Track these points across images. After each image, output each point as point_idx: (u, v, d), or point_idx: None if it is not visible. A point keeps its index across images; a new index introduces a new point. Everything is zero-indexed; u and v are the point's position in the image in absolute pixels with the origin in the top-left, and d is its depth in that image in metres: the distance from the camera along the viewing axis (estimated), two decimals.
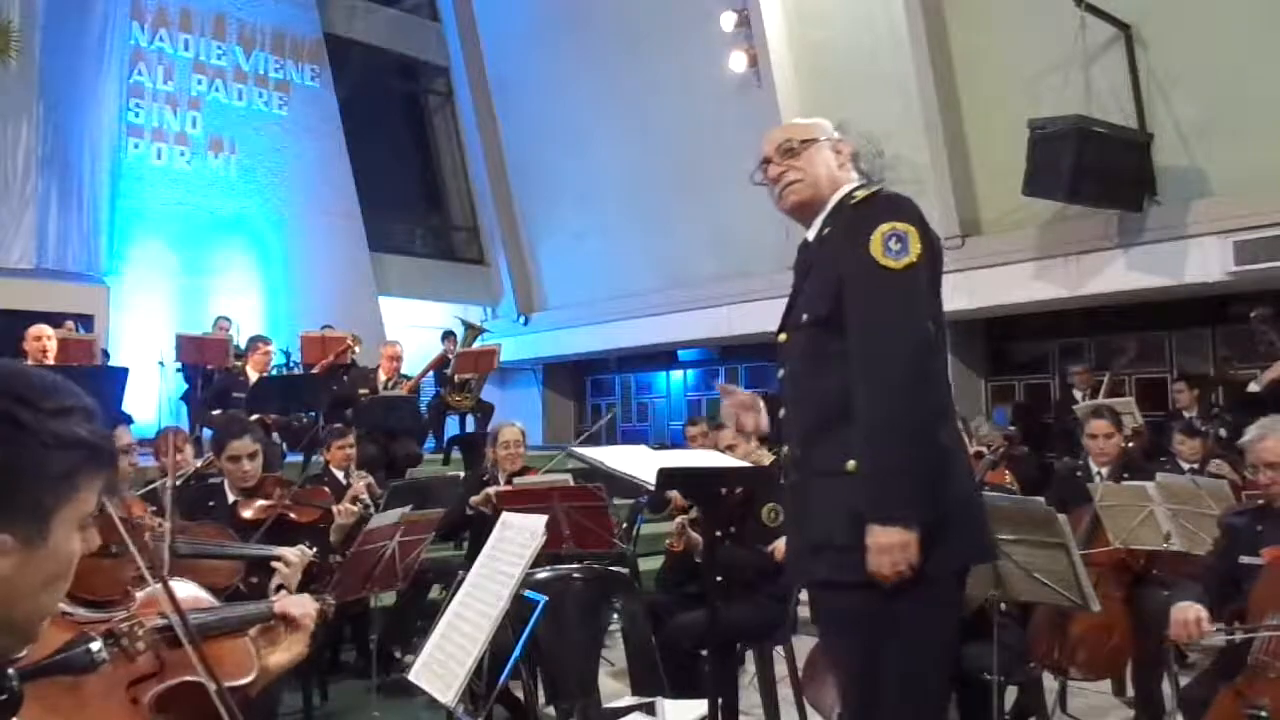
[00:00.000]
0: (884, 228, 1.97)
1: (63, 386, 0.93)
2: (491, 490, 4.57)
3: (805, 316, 2.08)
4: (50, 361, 6.39)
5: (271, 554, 3.08)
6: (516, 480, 4.63)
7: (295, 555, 3.06)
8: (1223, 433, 6.36)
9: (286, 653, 1.59)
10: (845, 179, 2.21)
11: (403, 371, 8.19)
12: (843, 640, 2.05)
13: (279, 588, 2.96)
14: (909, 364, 1.91)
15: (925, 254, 1.97)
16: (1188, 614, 2.66)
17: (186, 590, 1.60)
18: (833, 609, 2.03)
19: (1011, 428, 7.41)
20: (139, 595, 1.45)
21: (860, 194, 2.12)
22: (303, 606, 1.61)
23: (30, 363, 6.30)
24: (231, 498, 3.64)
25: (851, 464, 1.93)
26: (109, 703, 1.30)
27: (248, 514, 3.57)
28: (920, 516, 1.85)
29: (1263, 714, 2.47)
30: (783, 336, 2.19)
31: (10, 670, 0.97)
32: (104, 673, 1.27)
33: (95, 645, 1.25)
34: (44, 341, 6.51)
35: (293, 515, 3.67)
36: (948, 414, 2.03)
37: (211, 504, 3.61)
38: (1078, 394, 8.11)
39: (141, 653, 1.34)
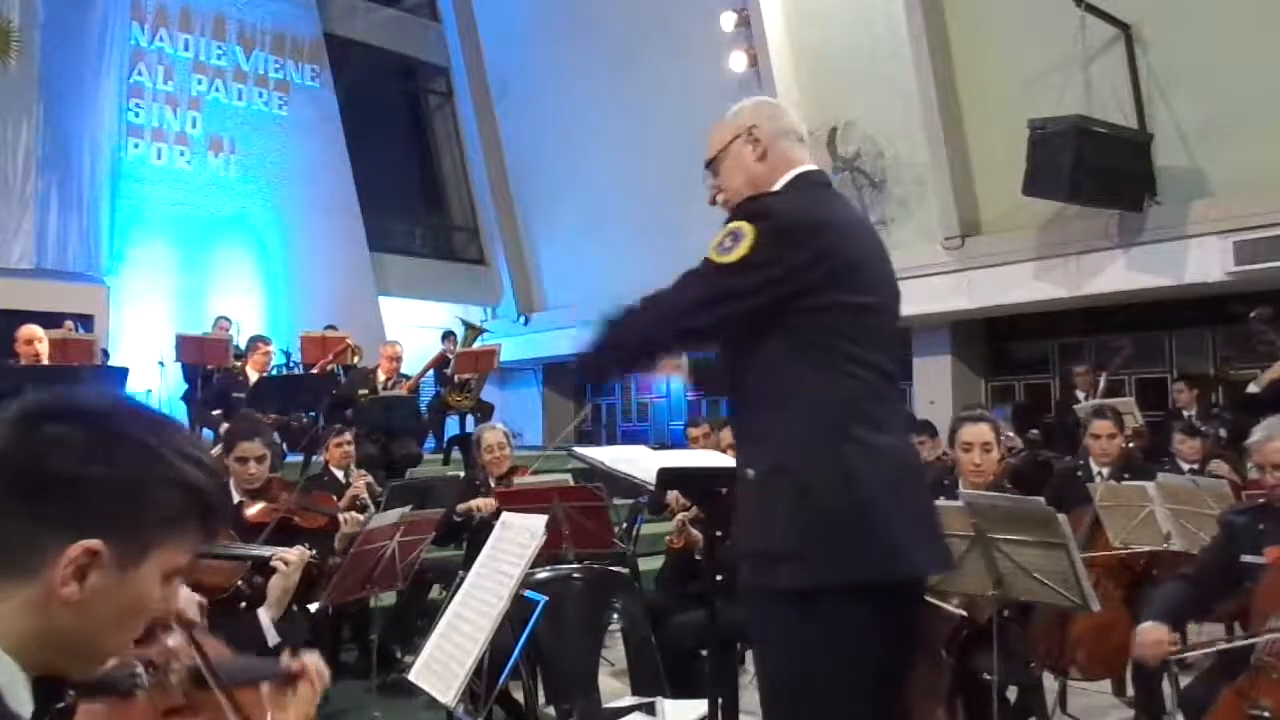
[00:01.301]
0: (732, 225, 1.91)
1: (196, 439, 0.98)
2: (474, 503, 4.56)
3: None
4: (45, 363, 6.30)
5: (272, 554, 3.08)
6: (517, 481, 4.63)
7: (295, 555, 3.05)
8: (1223, 433, 6.36)
9: (295, 711, 1.59)
10: (773, 168, 2.02)
11: (402, 371, 8.18)
12: (754, 647, 2.05)
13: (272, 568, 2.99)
14: (645, 345, 2.00)
15: (750, 260, 1.85)
16: (1148, 636, 2.71)
17: (206, 641, 1.65)
18: (749, 613, 1.99)
19: (1034, 431, 7.38)
20: (169, 640, 1.52)
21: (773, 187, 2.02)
22: (314, 661, 1.60)
23: (23, 365, 6.22)
24: (236, 498, 3.64)
25: (750, 472, 1.93)
26: None
27: (251, 515, 3.58)
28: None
29: (1266, 715, 2.47)
30: None
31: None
32: (142, 699, 1.32)
33: (138, 670, 1.30)
34: (35, 345, 6.27)
35: (297, 520, 3.66)
36: (860, 420, 1.88)
37: None
38: (1080, 394, 8.11)
39: (174, 687, 1.40)
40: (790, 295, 1.87)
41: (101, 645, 0.94)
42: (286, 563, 3.01)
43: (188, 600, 1.62)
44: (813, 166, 2.07)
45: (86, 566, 0.87)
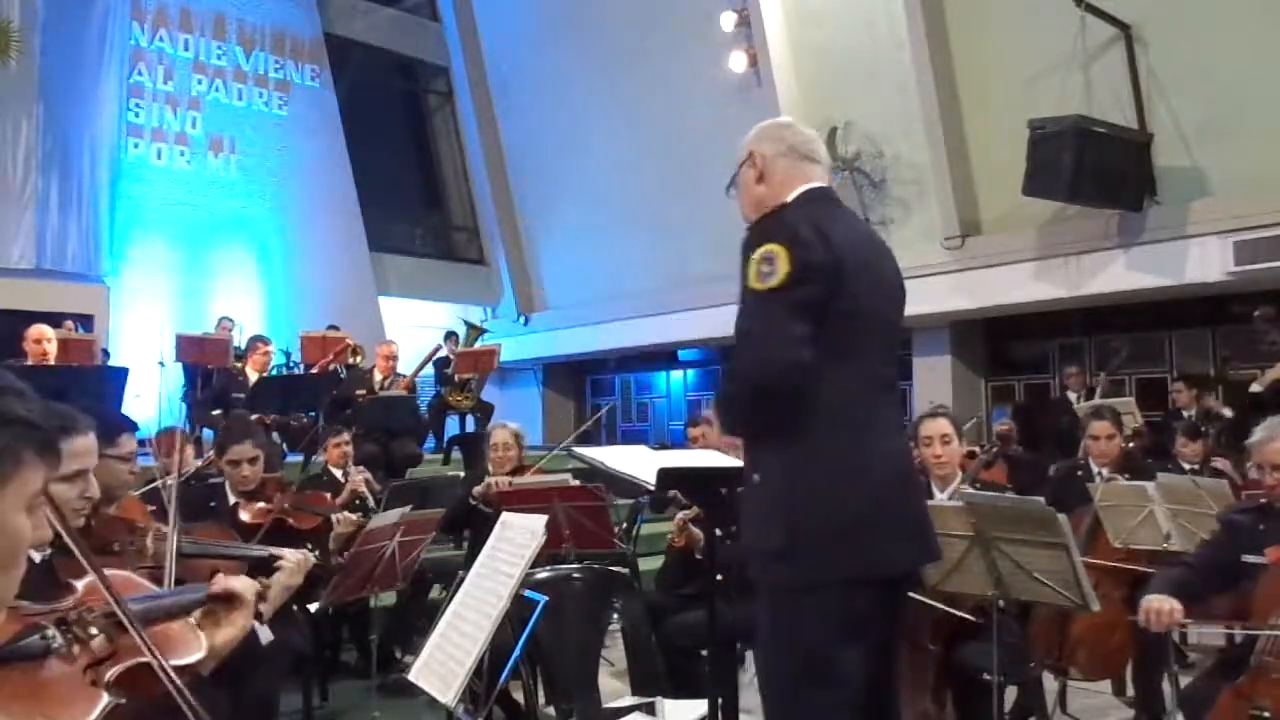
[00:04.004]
0: (760, 251, 2.00)
1: (13, 377, 0.99)
2: (493, 479, 4.57)
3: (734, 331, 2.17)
4: (51, 362, 6.36)
5: (272, 554, 3.07)
6: (517, 481, 4.63)
7: (297, 556, 3.05)
8: (1221, 438, 6.36)
9: (230, 628, 1.65)
10: (774, 190, 2.16)
11: (399, 370, 8.17)
12: (760, 635, 2.16)
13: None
14: (759, 380, 2.00)
15: (796, 275, 1.94)
16: (1162, 605, 2.65)
17: (121, 577, 1.64)
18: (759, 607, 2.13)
19: (1009, 423, 7.39)
20: (79, 584, 1.50)
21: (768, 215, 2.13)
22: (241, 582, 1.67)
23: (30, 363, 6.28)
24: (232, 499, 3.64)
25: (756, 476, 2.05)
26: (68, 685, 1.33)
27: (246, 516, 3.57)
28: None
29: (1265, 715, 2.47)
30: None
31: None
32: (61, 657, 1.32)
33: (49, 632, 1.31)
34: (44, 344, 6.40)
35: (291, 521, 3.66)
36: (844, 432, 2.01)
37: (213, 504, 3.61)
38: (1071, 395, 8.12)
39: (94, 637, 1.38)
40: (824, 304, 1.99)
41: None
42: (289, 563, 3.00)
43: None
44: (819, 184, 2.17)
45: None
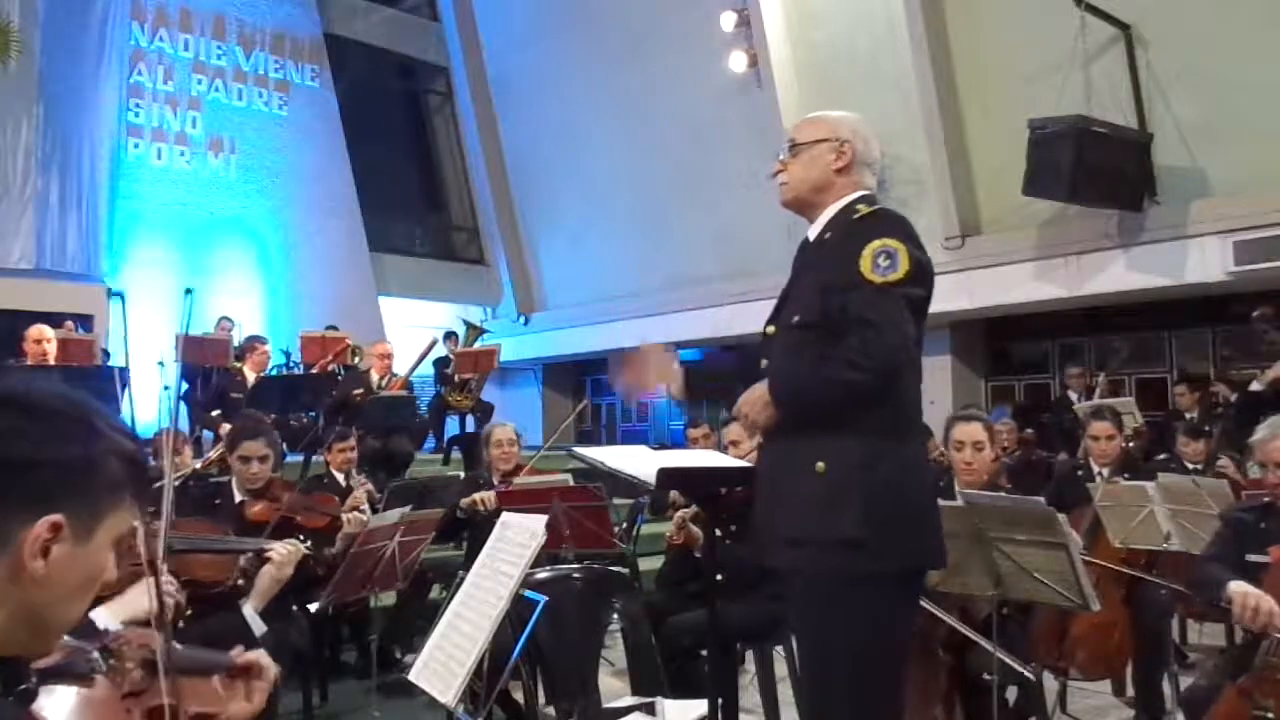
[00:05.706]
0: (876, 244, 2.03)
1: (118, 415, 1.05)
2: (478, 496, 4.53)
3: (795, 319, 2.15)
4: (50, 362, 6.35)
5: (262, 547, 3.07)
6: (516, 481, 4.62)
7: (288, 548, 3.04)
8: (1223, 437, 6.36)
9: (242, 705, 1.62)
10: (845, 184, 2.20)
11: (394, 370, 8.16)
12: (800, 629, 2.19)
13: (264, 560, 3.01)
14: (884, 369, 2.01)
15: (914, 272, 2.04)
16: (1260, 603, 2.49)
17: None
18: (796, 597, 2.14)
19: (1028, 430, 7.39)
20: (107, 625, 1.54)
21: (863, 208, 2.15)
22: (264, 659, 1.63)
23: (30, 364, 6.28)
24: (239, 497, 3.64)
25: (820, 465, 2.04)
26: (111, 709, 1.39)
27: (253, 513, 3.57)
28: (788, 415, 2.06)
29: (1269, 715, 2.46)
30: (770, 329, 2.24)
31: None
32: (101, 683, 1.38)
33: (94, 655, 1.36)
34: (44, 344, 6.43)
35: (299, 519, 3.66)
36: (913, 428, 2.19)
37: (218, 502, 3.61)
38: (1073, 395, 8.12)
39: (130, 671, 1.44)
40: None
41: (61, 618, 0.98)
42: (279, 554, 3.01)
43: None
44: (871, 191, 2.25)
45: (50, 541, 0.91)
